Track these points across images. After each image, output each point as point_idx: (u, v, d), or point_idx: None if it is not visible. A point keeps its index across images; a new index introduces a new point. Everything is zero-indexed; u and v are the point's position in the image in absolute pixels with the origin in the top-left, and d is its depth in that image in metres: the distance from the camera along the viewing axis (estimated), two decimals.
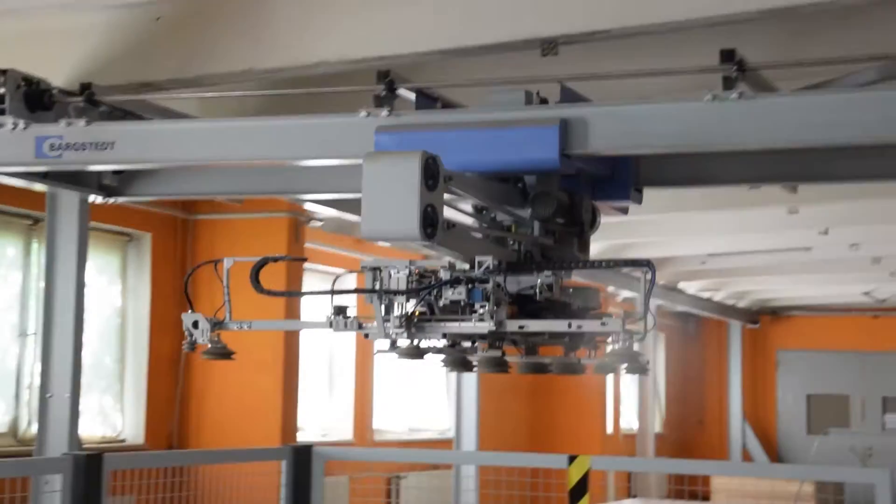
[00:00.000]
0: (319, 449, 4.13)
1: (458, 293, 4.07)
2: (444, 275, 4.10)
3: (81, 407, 6.68)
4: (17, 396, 8.52)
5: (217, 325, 4.43)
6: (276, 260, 4.45)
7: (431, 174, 3.84)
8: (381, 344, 4.22)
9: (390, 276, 4.16)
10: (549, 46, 4.89)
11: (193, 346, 4.50)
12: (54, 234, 6.73)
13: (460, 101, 5.12)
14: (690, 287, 16.01)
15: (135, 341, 9.63)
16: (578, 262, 4.40)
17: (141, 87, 5.74)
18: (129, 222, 9.50)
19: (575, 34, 4.88)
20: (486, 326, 4.01)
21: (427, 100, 4.98)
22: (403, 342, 4.22)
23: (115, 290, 9.57)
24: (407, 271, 4.14)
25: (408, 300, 4.04)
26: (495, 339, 4.31)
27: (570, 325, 4.09)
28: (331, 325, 4.25)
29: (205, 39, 5.60)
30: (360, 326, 4.23)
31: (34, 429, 8.19)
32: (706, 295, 16.96)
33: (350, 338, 11.87)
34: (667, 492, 14.10)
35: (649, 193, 9.64)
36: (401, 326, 4.03)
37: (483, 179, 4.50)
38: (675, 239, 12.15)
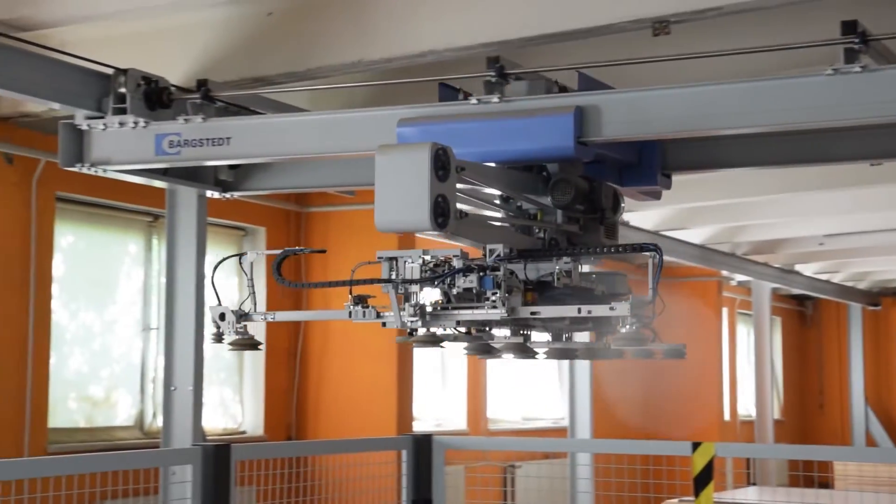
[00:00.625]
0: (439, 438, 4.15)
1: (469, 281, 4.11)
2: (457, 263, 4.14)
3: (203, 399, 6.84)
4: (142, 390, 8.74)
5: (243, 316, 4.52)
6: (295, 253, 4.55)
7: (442, 165, 3.90)
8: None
9: (405, 265, 4.21)
10: (660, 26, 4.83)
11: (221, 337, 4.58)
12: (174, 230, 6.87)
13: (571, 86, 5.09)
14: (807, 269, 15.66)
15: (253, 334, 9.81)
16: (586, 249, 4.38)
17: (254, 81, 5.84)
18: (245, 217, 9.68)
19: (686, 13, 4.82)
20: (499, 313, 4.04)
21: (449, 91, 5.05)
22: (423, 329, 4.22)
23: (231, 284, 9.76)
24: (421, 260, 4.18)
25: (421, 289, 4.10)
26: (517, 325, 4.34)
27: (579, 311, 4.09)
28: (350, 315, 4.34)
29: (315, 33, 5.67)
30: (378, 315, 4.29)
31: (159, 421, 8.40)
32: (824, 277, 16.57)
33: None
34: (787, 479, 13.85)
35: (762, 175, 9.47)
36: (415, 315, 4.08)
37: (499, 168, 4.55)
38: (791, 220, 11.90)
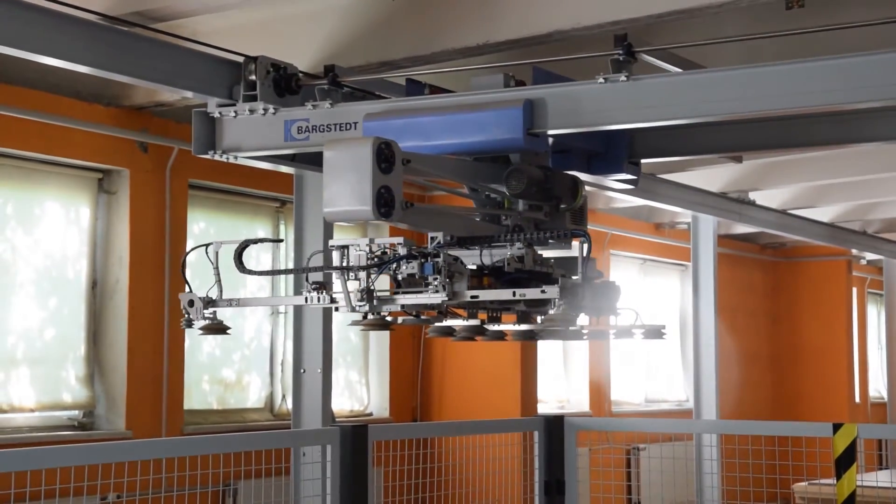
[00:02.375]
0: (571, 419, 4.15)
1: (412, 267, 4.32)
2: (401, 251, 4.35)
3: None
4: (272, 373, 8.92)
5: (210, 302, 4.73)
6: (256, 242, 4.78)
7: (385, 158, 4.11)
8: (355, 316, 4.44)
9: (355, 253, 4.40)
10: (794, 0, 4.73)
11: (190, 323, 4.78)
12: (301, 215, 6.99)
13: (698, 62, 5.02)
14: None
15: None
16: (521, 237, 4.55)
17: (380, 66, 5.89)
18: None
19: None
20: (440, 297, 4.25)
21: (416, 86, 5.32)
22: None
23: None
24: (368, 249, 4.38)
25: (369, 276, 4.29)
26: (470, 307, 4.61)
27: (514, 294, 4.31)
28: (306, 301, 4.57)
29: (440, 15, 5.69)
30: (331, 301, 4.49)
31: (288, 403, 8.57)
32: None
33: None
34: None
35: (893, 150, 9.17)
36: (362, 300, 4.25)
37: (449, 159, 4.79)
38: None
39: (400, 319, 4.64)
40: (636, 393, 12.83)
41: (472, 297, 4.39)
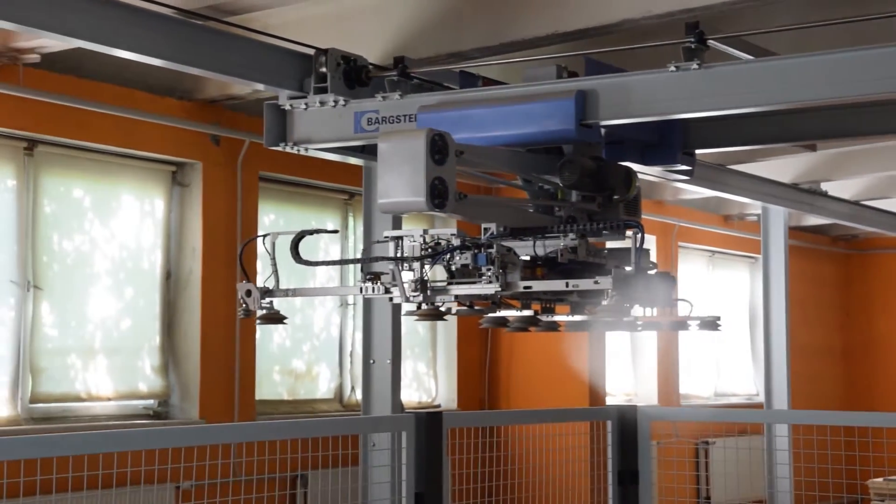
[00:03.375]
0: (644, 409, 4.14)
1: (465, 258, 4.35)
2: (455, 241, 4.38)
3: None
4: (341, 364, 9.00)
5: (267, 293, 4.77)
6: (311, 233, 4.86)
7: (439, 149, 4.15)
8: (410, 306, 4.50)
9: (409, 243, 4.46)
10: None
11: (249, 312, 4.81)
12: (370, 207, 7.04)
13: (773, 49, 4.98)
14: None
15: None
16: (577, 228, 4.62)
17: (449, 57, 5.91)
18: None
19: None
20: (493, 288, 4.28)
21: (469, 78, 5.40)
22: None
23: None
24: (421, 240, 4.42)
25: (422, 266, 4.33)
26: (523, 298, 4.62)
27: (567, 285, 4.35)
28: (361, 291, 4.63)
29: (509, 6, 5.70)
30: (386, 291, 4.53)
31: (357, 395, 8.65)
32: None
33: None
34: None
35: None
36: (416, 290, 4.28)
37: (503, 150, 4.83)
38: None
39: (454, 310, 4.69)
40: (705, 387, 12.73)
41: (525, 287, 4.43)
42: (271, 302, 4.84)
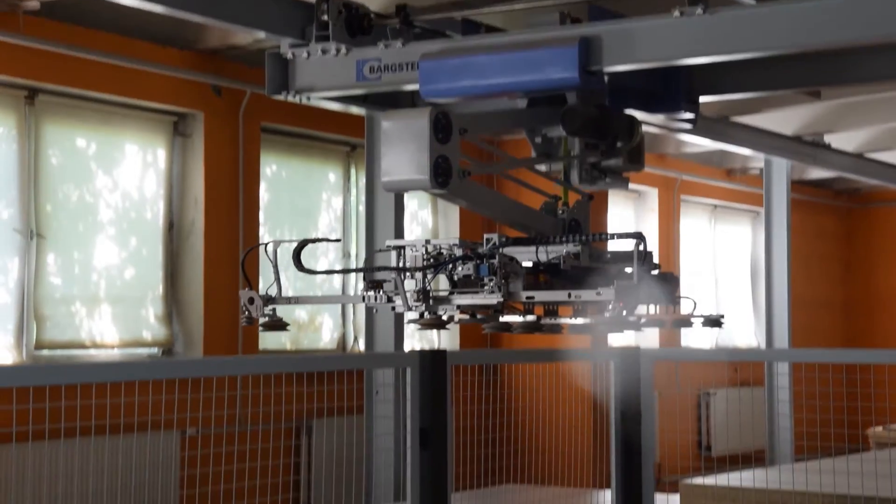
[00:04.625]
0: (648, 350, 4.15)
1: (467, 269, 4.38)
2: (457, 252, 4.40)
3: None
4: (343, 314, 9.03)
5: (269, 300, 4.84)
6: (313, 241, 4.88)
7: (442, 128, 4.17)
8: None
9: (411, 253, 4.51)
10: None
11: (251, 320, 4.89)
12: (372, 159, 7.03)
13: None
14: None
15: None
16: (580, 238, 4.62)
17: (452, 5, 5.88)
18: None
19: None
20: (495, 298, 4.31)
21: (471, 25, 5.34)
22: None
23: (425, 213, 9.94)
24: (423, 250, 4.45)
25: (425, 276, 4.36)
26: (526, 306, 4.63)
27: (569, 296, 4.38)
28: (364, 300, 4.67)
29: None
30: (389, 300, 4.57)
31: (360, 345, 8.69)
32: None
33: (654, 253, 11.82)
34: None
35: None
36: (418, 300, 4.32)
37: (503, 115, 4.86)
38: None
39: (456, 318, 4.71)
40: (706, 339, 12.78)
41: (527, 298, 4.48)
42: (273, 309, 4.91)
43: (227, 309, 7.80)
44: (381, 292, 4.65)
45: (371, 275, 4.73)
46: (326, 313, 8.93)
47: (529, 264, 4.58)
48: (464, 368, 7.13)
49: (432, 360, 3.36)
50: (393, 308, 4.67)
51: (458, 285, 4.47)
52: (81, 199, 7.25)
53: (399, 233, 6.94)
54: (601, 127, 4.90)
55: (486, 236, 4.47)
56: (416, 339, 9.91)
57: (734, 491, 4.49)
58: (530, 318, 4.66)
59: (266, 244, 4.99)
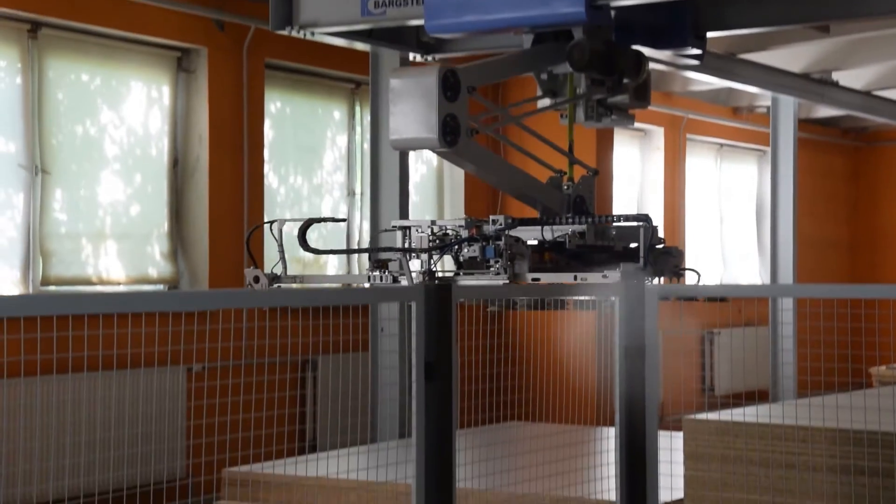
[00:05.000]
0: (652, 287, 4.15)
1: (473, 251, 4.40)
2: (463, 233, 4.41)
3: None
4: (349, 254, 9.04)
5: (274, 279, 4.88)
6: (319, 221, 4.94)
7: (450, 86, 4.16)
8: None
9: (417, 234, 4.59)
10: None
11: None
12: (377, 96, 6.99)
13: None
14: None
15: (452, 201, 9.95)
16: (588, 220, 4.63)
17: None
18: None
19: None
20: (501, 279, 4.34)
21: None
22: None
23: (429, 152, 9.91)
24: (429, 231, 4.48)
25: (430, 257, 4.39)
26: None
27: (575, 278, 4.43)
28: (369, 280, 4.71)
29: None
30: (394, 280, 4.61)
31: (365, 284, 8.69)
32: None
33: (659, 195, 11.80)
34: None
35: None
36: (424, 281, 4.31)
37: (508, 62, 4.86)
38: None
39: (461, 298, 4.71)
40: (711, 279, 12.79)
41: (533, 279, 4.49)
42: (279, 287, 4.96)
43: (231, 246, 7.81)
44: (386, 272, 4.71)
45: (377, 254, 4.78)
46: None
47: (535, 243, 4.62)
48: (468, 309, 7.14)
49: (437, 293, 3.37)
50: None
51: (463, 266, 4.52)
52: (86, 135, 7.23)
53: (405, 170, 6.92)
54: (608, 63, 4.87)
55: (492, 217, 4.49)
56: (422, 280, 9.93)
57: (737, 426, 4.52)
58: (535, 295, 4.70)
59: (271, 223, 5.06)
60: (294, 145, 8.59)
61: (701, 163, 12.59)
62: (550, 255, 4.59)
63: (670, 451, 4.72)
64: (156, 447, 5.38)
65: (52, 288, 7.00)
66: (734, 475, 4.45)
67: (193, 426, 6.25)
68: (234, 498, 5.67)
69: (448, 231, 4.53)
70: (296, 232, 4.91)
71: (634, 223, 4.61)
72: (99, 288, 7.23)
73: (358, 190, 8.94)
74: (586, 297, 4.63)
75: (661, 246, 4.68)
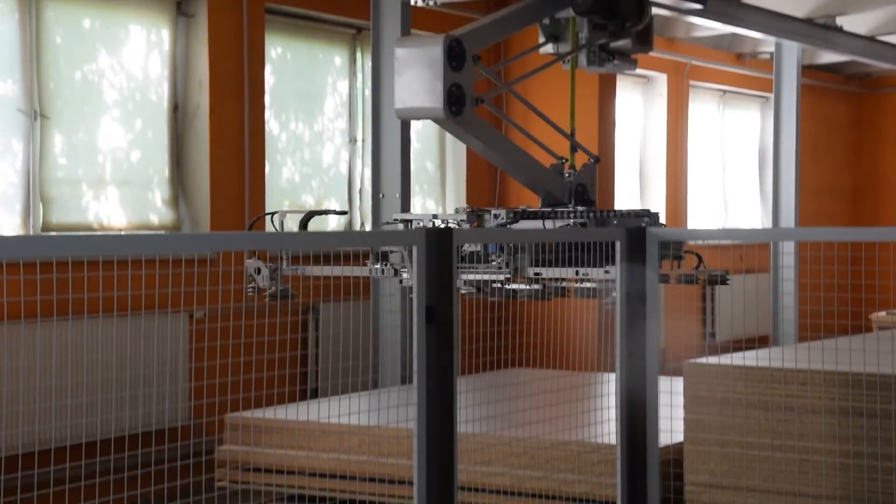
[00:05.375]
0: (653, 230, 4.15)
1: (474, 245, 4.41)
2: (465, 226, 4.42)
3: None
4: (350, 200, 9.03)
5: (275, 270, 4.89)
6: (320, 213, 4.99)
7: (456, 56, 4.15)
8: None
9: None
10: None
11: (257, 290, 4.98)
12: (379, 41, 6.95)
13: None
14: None
15: (454, 149, 9.92)
16: (592, 214, 4.61)
17: None
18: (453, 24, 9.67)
19: None
20: (503, 275, 4.38)
21: None
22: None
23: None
24: (431, 224, 4.47)
25: None
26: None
27: (577, 273, 4.46)
28: (371, 273, 4.74)
29: None
30: (396, 272, 4.64)
31: (367, 229, 8.69)
32: None
33: (661, 140, 11.76)
34: None
35: None
36: None
37: (509, 19, 4.82)
38: None
39: (463, 290, 4.73)
40: (713, 225, 12.79)
41: (535, 274, 4.54)
42: (280, 278, 4.98)
43: (232, 193, 7.80)
44: (388, 265, 4.72)
45: (378, 247, 4.81)
46: (333, 198, 8.93)
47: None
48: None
49: (438, 237, 3.37)
50: (401, 281, 4.78)
51: (464, 260, 4.54)
52: (85, 80, 7.19)
53: (405, 121, 6.89)
54: (610, 7, 4.84)
55: (493, 212, 4.51)
56: None
57: (737, 369, 4.54)
58: (536, 286, 4.72)
59: (272, 214, 5.08)
60: (295, 91, 8.54)
61: (704, 109, 12.53)
62: (551, 247, 4.62)
63: (670, 394, 4.74)
64: (158, 389, 5.41)
65: (53, 234, 7.00)
66: (734, 418, 4.47)
67: (195, 369, 6.29)
68: (237, 443, 5.73)
69: (450, 224, 4.55)
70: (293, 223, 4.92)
71: (639, 214, 4.63)
72: (101, 234, 7.23)
73: (359, 137, 8.91)
74: (589, 285, 4.65)
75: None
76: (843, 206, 14.60)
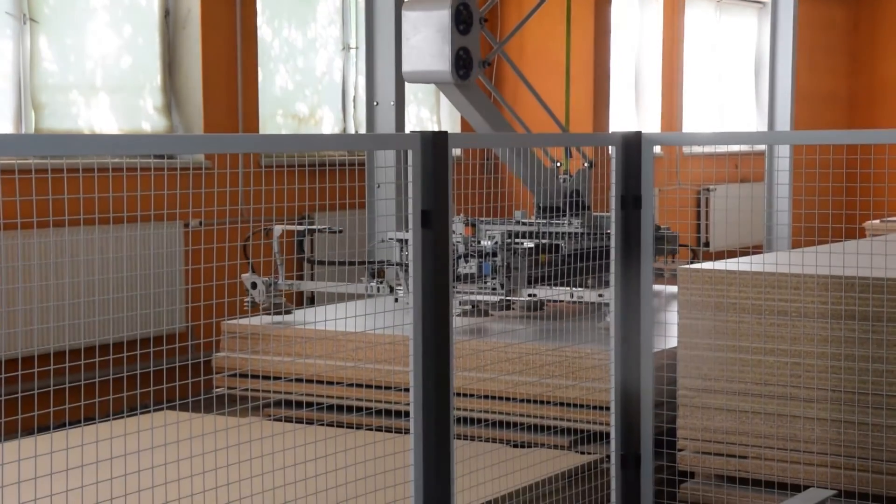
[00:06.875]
0: (648, 134, 4.13)
1: (470, 267, 4.44)
2: (461, 248, 4.43)
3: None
4: (344, 108, 8.98)
5: (272, 285, 4.89)
6: (316, 230, 5.05)
7: (463, 19, 4.19)
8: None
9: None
10: None
11: (255, 304, 5.00)
12: None
13: None
14: None
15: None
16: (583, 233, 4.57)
17: None
18: None
19: None
20: (497, 297, 4.42)
21: None
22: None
23: None
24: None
25: None
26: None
27: (571, 295, 4.49)
28: (366, 290, 4.77)
29: None
30: (391, 290, 4.67)
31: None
32: None
33: (657, 50, 11.66)
34: None
35: None
36: None
37: None
38: None
39: (458, 309, 4.75)
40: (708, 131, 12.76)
41: (529, 295, 4.55)
42: (282, 293, 5.00)
43: (225, 102, 7.75)
44: (383, 282, 4.74)
45: (373, 263, 4.82)
46: (327, 106, 8.87)
47: (532, 245, 4.61)
48: (464, 167, 7.05)
49: (434, 141, 3.35)
50: (396, 299, 4.78)
51: (460, 279, 4.56)
52: None
53: (398, 23, 6.80)
54: None
55: (487, 232, 4.53)
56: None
57: (731, 275, 4.55)
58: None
59: (266, 231, 5.11)
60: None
61: (700, 15, 12.41)
62: (545, 257, 4.65)
63: (663, 299, 4.76)
64: (154, 292, 5.43)
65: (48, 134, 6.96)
66: (727, 323, 4.50)
67: (192, 272, 6.29)
68: (234, 350, 5.75)
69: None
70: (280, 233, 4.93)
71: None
72: None
73: (353, 44, 8.82)
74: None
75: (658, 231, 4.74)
76: (839, 115, 14.55)
